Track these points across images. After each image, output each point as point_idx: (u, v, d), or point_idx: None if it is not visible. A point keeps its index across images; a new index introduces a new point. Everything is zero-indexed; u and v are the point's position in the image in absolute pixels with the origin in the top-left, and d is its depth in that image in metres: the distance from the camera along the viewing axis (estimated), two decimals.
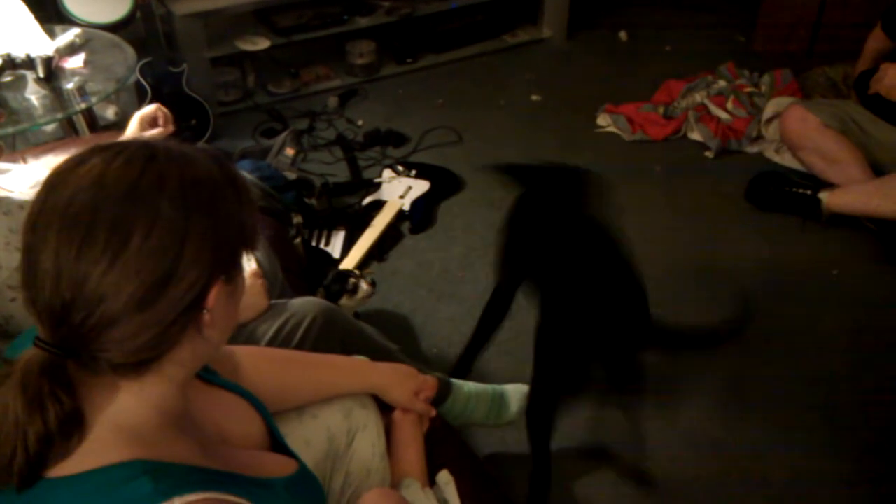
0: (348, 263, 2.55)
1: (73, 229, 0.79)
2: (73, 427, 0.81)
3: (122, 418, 0.85)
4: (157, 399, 0.88)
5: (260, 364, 1.31)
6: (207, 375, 1.10)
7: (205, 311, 0.85)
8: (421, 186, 2.94)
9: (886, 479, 1.98)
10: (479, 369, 2.16)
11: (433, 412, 1.52)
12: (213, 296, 0.85)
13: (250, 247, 0.92)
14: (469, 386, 1.95)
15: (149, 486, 0.80)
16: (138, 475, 0.81)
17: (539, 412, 1.87)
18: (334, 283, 2.19)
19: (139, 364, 0.84)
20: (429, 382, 1.51)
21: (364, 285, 2.18)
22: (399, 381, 1.46)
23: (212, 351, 0.93)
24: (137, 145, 0.85)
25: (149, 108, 1.93)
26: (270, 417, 1.17)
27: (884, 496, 1.96)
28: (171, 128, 1.93)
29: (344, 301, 2.15)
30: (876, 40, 2.80)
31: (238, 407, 1.13)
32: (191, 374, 0.94)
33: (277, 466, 1.06)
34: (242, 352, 1.31)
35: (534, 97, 3.62)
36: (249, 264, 1.83)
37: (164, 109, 1.95)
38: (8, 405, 0.80)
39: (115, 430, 0.84)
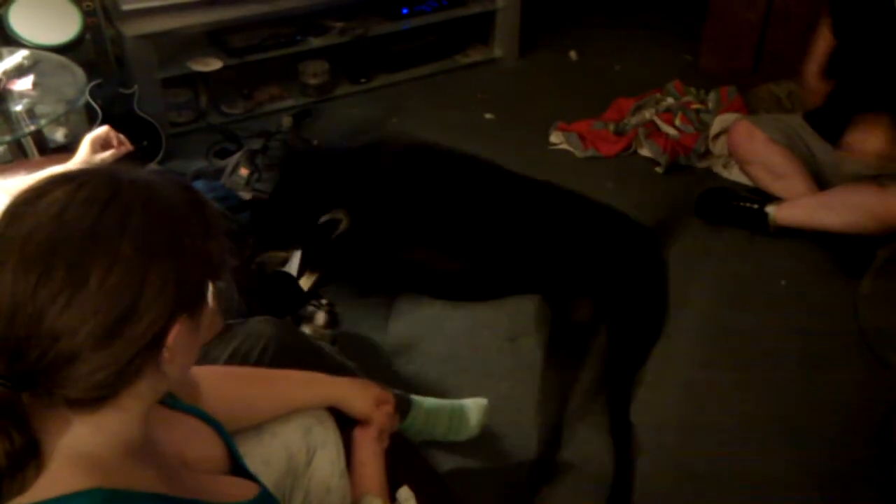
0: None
1: (31, 265, 0.77)
2: (26, 461, 0.79)
3: (80, 448, 0.83)
4: (115, 429, 0.86)
5: (219, 382, 1.30)
6: (168, 400, 1.09)
7: (164, 349, 0.84)
8: None
9: (837, 486, 2.02)
10: (438, 385, 2.17)
11: (396, 422, 1.52)
12: (174, 334, 0.84)
13: (217, 278, 0.90)
14: (429, 402, 1.95)
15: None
16: (97, 503, 0.80)
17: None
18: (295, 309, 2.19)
19: (95, 400, 0.83)
20: (388, 395, 1.50)
21: (321, 315, 2.17)
22: (358, 391, 1.45)
23: (172, 384, 0.92)
24: (101, 178, 0.83)
25: (100, 130, 1.90)
26: (231, 440, 1.16)
27: (835, 501, 2.00)
28: (124, 148, 1.90)
29: (305, 328, 2.15)
30: (825, 39, 2.77)
31: (199, 431, 1.12)
32: (150, 406, 0.92)
33: (238, 490, 1.05)
34: (201, 372, 1.30)
35: (487, 116, 3.66)
36: None
37: (114, 132, 1.92)
38: None
39: (73, 459, 0.82)
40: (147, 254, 0.80)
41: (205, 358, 1.60)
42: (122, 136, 1.92)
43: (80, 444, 0.84)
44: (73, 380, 0.79)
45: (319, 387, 1.43)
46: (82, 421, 0.84)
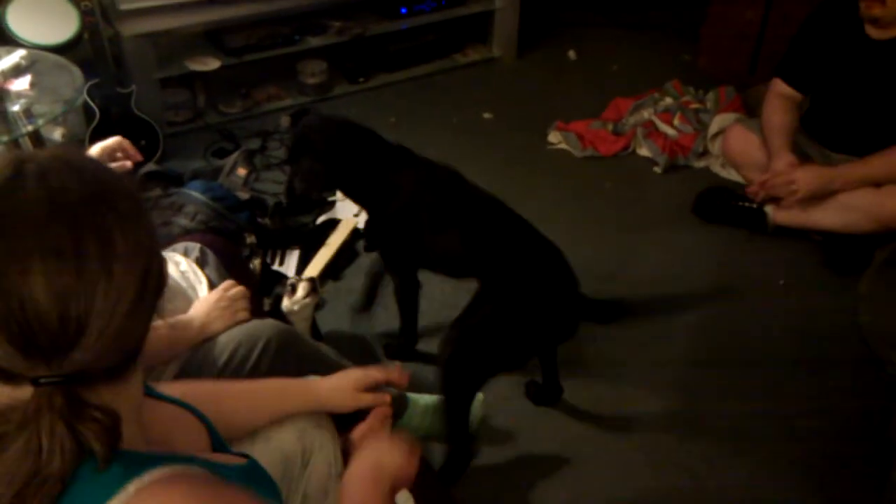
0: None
1: (60, 252, 0.76)
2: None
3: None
4: (133, 393, 0.89)
5: (191, 399, 1.30)
6: (149, 389, 1.09)
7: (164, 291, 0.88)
8: None
9: (836, 486, 2.02)
10: (434, 382, 2.16)
11: (387, 398, 1.48)
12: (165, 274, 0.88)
13: None
14: (425, 399, 1.95)
15: (118, 469, 0.79)
16: (121, 464, 0.81)
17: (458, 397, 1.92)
18: (275, 287, 2.18)
19: (126, 364, 0.85)
20: (372, 373, 1.47)
21: (302, 285, 2.15)
22: (335, 388, 1.43)
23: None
24: (56, 162, 0.83)
25: (111, 141, 1.89)
26: (211, 424, 1.15)
27: (834, 501, 2.00)
28: (129, 164, 1.89)
29: (286, 303, 2.13)
30: (781, 111, 2.73)
31: (180, 417, 1.12)
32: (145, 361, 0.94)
33: (229, 461, 1.06)
34: (173, 389, 1.27)
35: (485, 115, 3.65)
36: (201, 287, 1.81)
37: (128, 143, 1.91)
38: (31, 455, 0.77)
39: None
40: (132, 207, 0.83)
41: (205, 358, 1.61)
42: (131, 150, 1.91)
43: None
44: (116, 350, 0.81)
45: (295, 396, 1.41)
46: (109, 391, 0.84)
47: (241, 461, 1.06)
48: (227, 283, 1.74)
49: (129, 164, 1.89)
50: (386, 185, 2.01)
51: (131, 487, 0.79)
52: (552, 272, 1.94)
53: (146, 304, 0.83)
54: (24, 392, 0.78)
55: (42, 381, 0.78)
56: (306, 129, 2.07)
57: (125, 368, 0.85)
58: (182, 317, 1.64)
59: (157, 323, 1.55)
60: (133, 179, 0.93)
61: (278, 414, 1.38)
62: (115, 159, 1.87)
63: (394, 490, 1.27)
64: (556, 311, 1.94)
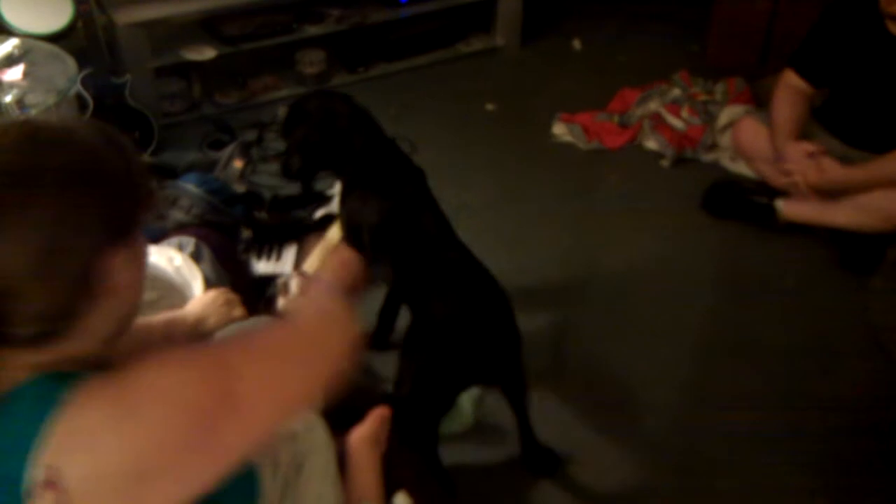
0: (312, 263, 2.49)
1: None
2: None
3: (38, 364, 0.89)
4: (77, 353, 0.91)
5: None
6: None
7: (98, 282, 0.88)
8: None
9: (845, 484, 2.00)
10: None
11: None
12: (105, 265, 0.88)
13: (147, 209, 0.96)
14: None
15: (54, 384, 0.85)
16: (45, 381, 0.87)
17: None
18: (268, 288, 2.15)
19: (46, 335, 0.88)
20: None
21: (294, 282, 2.12)
22: (204, 307, 1.58)
23: (123, 318, 0.97)
24: (18, 125, 0.90)
25: None
26: None
27: (841, 500, 1.98)
28: None
29: (282, 302, 2.10)
30: (790, 104, 2.70)
31: None
32: (99, 345, 0.95)
33: None
34: None
35: (488, 106, 3.60)
36: (196, 282, 1.78)
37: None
38: None
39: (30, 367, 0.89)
40: (66, 188, 0.85)
41: None
42: None
43: (42, 361, 0.89)
44: (19, 316, 0.85)
45: (180, 328, 1.53)
46: (42, 352, 0.89)
47: None
48: (225, 288, 1.74)
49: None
50: (365, 172, 2.01)
51: (64, 396, 0.83)
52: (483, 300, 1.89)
53: (54, 277, 0.85)
54: None
55: None
56: (302, 99, 2.09)
57: (44, 341, 0.88)
58: (177, 312, 1.64)
59: (153, 318, 1.55)
60: (119, 164, 0.93)
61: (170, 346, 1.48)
62: None
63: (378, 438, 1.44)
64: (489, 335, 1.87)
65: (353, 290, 1.26)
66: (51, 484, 0.80)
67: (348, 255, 1.34)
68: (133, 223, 0.94)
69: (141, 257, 0.98)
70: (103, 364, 0.94)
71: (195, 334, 1.62)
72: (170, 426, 0.83)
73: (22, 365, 0.88)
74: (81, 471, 0.81)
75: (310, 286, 1.25)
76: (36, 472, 0.81)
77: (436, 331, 1.84)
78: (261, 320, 1.71)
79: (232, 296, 1.69)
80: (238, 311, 1.69)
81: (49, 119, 0.92)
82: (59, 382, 0.85)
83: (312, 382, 1.01)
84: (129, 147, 0.96)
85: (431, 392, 1.86)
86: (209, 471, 0.86)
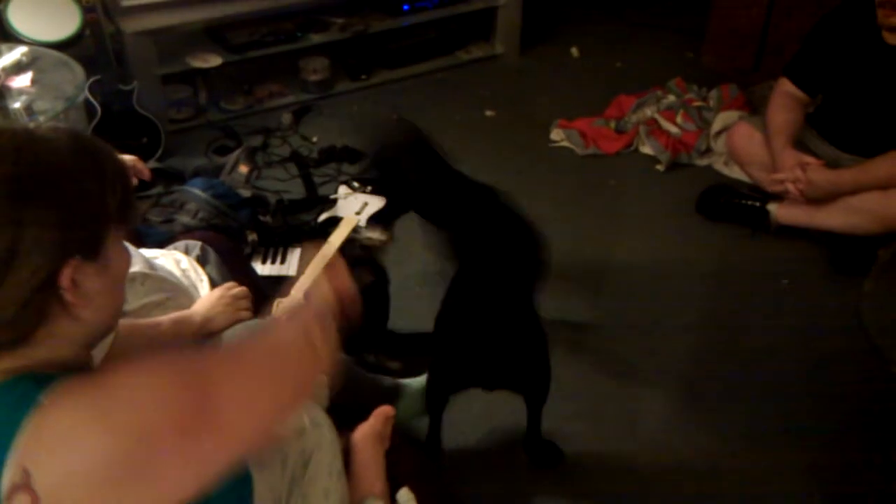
0: (304, 281, 2.52)
1: None
2: None
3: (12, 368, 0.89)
4: (52, 357, 0.92)
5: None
6: None
7: (62, 291, 0.88)
8: (377, 202, 2.93)
9: (838, 485, 2.02)
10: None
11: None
12: (68, 276, 0.88)
13: (120, 222, 0.95)
14: (416, 383, 1.96)
15: (31, 384, 0.85)
16: (22, 381, 0.86)
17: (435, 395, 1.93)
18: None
19: (16, 340, 0.88)
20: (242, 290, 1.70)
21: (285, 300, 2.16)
22: (210, 306, 1.62)
23: (91, 329, 0.96)
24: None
25: (126, 159, 1.89)
26: None
27: (835, 500, 2.00)
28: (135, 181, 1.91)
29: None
30: (786, 111, 2.72)
31: None
32: (75, 350, 0.95)
33: None
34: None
35: (488, 113, 3.64)
36: (202, 285, 1.81)
37: (141, 164, 1.93)
38: None
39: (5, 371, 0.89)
40: (19, 200, 0.84)
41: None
42: (143, 171, 1.93)
43: (16, 365, 0.89)
44: None
45: (187, 328, 1.59)
46: (13, 357, 0.90)
47: None
48: (230, 283, 1.75)
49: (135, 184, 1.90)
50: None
51: (40, 397, 0.82)
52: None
53: (7, 289, 0.85)
54: None
55: None
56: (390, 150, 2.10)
57: (9, 347, 0.88)
58: (184, 312, 1.66)
59: (161, 318, 1.58)
60: (90, 177, 0.92)
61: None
62: None
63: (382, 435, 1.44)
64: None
65: (342, 319, 1.22)
66: (23, 486, 0.79)
67: (345, 283, 1.29)
68: (101, 237, 0.92)
69: (118, 266, 0.97)
70: (84, 366, 0.96)
71: (203, 333, 1.65)
72: (143, 432, 0.80)
73: None
74: (53, 473, 0.79)
75: (300, 308, 1.20)
76: (10, 473, 0.80)
77: (448, 330, 1.88)
78: (265, 321, 1.73)
79: (239, 291, 1.71)
80: (245, 312, 1.71)
81: (16, 125, 0.93)
82: (34, 384, 0.84)
83: (284, 402, 0.98)
84: (110, 162, 0.95)
85: (434, 384, 1.92)
86: (184, 480, 0.82)
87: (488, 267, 1.89)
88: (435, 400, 1.94)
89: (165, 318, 1.61)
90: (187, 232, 2.23)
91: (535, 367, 1.89)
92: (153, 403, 0.82)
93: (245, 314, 1.71)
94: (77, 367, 0.93)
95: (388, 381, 1.91)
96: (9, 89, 2.41)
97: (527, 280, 1.94)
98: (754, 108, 3.36)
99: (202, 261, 1.91)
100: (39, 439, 0.80)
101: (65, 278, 0.88)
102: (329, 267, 1.27)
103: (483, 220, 1.98)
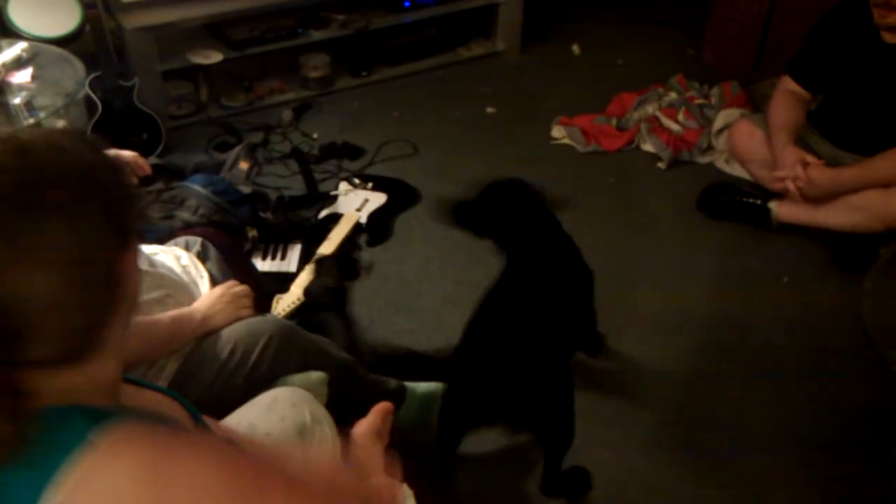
0: (304, 277, 2.53)
1: None
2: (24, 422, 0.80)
3: (64, 389, 0.85)
4: (102, 375, 0.89)
5: None
6: (132, 378, 1.08)
7: (122, 284, 0.87)
8: (378, 199, 2.93)
9: (837, 484, 2.02)
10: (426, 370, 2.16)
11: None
12: (125, 266, 0.87)
13: (140, 212, 0.96)
14: (422, 387, 1.96)
15: (79, 417, 0.81)
16: (72, 413, 0.82)
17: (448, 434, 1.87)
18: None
19: (79, 351, 0.85)
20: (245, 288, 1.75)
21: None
22: (211, 305, 1.65)
23: (130, 322, 0.95)
24: (8, 145, 0.83)
25: (127, 154, 1.90)
26: (195, 410, 1.15)
27: (835, 499, 2.00)
28: (135, 180, 1.91)
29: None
30: (788, 109, 2.72)
31: (164, 403, 1.12)
32: (123, 349, 0.95)
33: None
34: None
35: (489, 110, 3.64)
36: (202, 281, 1.81)
37: (143, 161, 1.92)
38: None
39: (55, 394, 0.85)
40: (75, 199, 0.82)
41: (206, 355, 1.61)
42: (144, 167, 1.93)
43: (65, 388, 0.85)
44: (45, 336, 0.80)
45: (187, 326, 1.62)
46: (72, 371, 0.86)
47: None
48: (232, 282, 1.76)
49: (134, 181, 1.90)
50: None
51: (93, 436, 0.79)
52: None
53: (88, 297, 0.83)
54: None
55: None
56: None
57: (74, 358, 0.85)
58: (184, 309, 1.66)
59: (160, 316, 1.58)
60: (108, 168, 0.90)
61: (175, 345, 1.60)
62: None
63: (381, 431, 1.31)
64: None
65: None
66: None
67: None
68: (133, 226, 0.92)
69: (136, 260, 0.97)
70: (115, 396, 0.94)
71: (203, 331, 1.65)
72: None
73: (46, 391, 0.84)
74: None
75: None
76: None
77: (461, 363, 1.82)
78: (268, 320, 1.74)
79: (240, 289, 1.71)
80: (245, 310, 1.72)
81: (33, 133, 0.88)
82: (87, 419, 0.81)
83: None
84: (113, 155, 0.94)
85: (451, 415, 1.84)
86: None
87: (545, 307, 1.84)
88: (449, 434, 1.85)
89: (165, 315, 1.61)
90: (187, 228, 2.23)
91: (559, 413, 1.83)
92: (208, 499, 0.80)
93: (246, 312, 1.71)
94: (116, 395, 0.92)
95: (392, 382, 1.91)
96: (9, 85, 2.41)
97: (574, 330, 1.95)
98: (756, 105, 3.36)
99: (202, 257, 1.91)
100: (85, 485, 0.77)
101: (120, 272, 0.87)
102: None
103: (556, 262, 1.96)
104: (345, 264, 2.58)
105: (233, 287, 1.73)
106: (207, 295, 1.72)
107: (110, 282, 0.85)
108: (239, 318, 1.69)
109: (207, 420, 1.14)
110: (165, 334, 1.59)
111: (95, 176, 0.86)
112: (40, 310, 0.79)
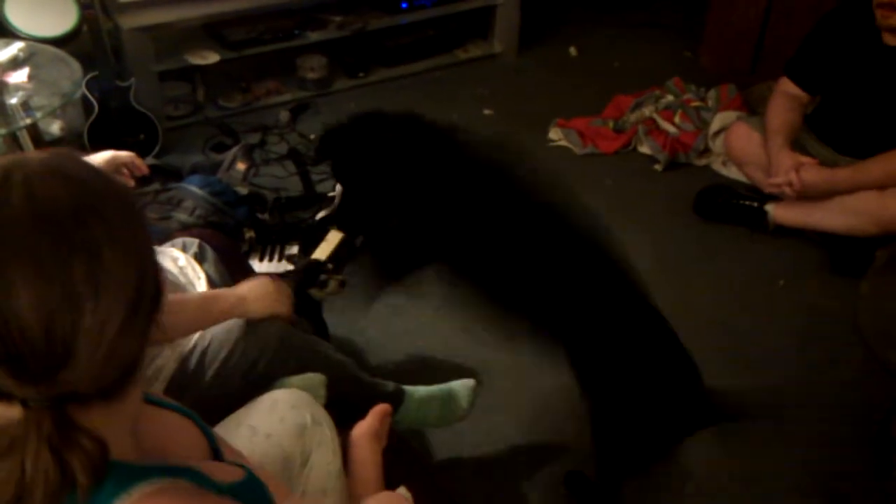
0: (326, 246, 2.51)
1: (48, 269, 0.72)
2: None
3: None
4: (132, 409, 0.86)
5: None
6: (149, 397, 1.08)
7: (160, 301, 0.83)
8: None
9: (836, 486, 2.02)
10: (423, 373, 2.16)
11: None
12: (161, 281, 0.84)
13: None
14: (420, 390, 1.96)
15: (107, 485, 0.78)
16: (121, 464, 0.79)
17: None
18: (306, 274, 2.16)
19: (121, 381, 0.81)
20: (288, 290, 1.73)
21: (333, 283, 2.15)
22: (259, 295, 1.63)
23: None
24: (32, 165, 0.78)
25: (124, 154, 1.89)
26: (210, 431, 1.14)
27: (836, 495, 2.00)
28: (132, 182, 1.90)
29: (313, 291, 2.13)
30: (785, 111, 2.72)
31: (178, 424, 1.11)
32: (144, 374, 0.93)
33: (225, 474, 1.04)
34: None
35: (486, 111, 3.64)
36: (199, 282, 1.81)
37: (140, 161, 1.92)
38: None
39: None
40: (125, 218, 0.79)
41: (204, 356, 1.60)
42: (141, 167, 1.92)
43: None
44: (109, 370, 0.77)
45: (220, 305, 1.60)
46: (103, 410, 0.81)
47: (237, 476, 1.03)
48: (285, 284, 1.77)
49: (131, 182, 1.89)
50: None
51: (135, 492, 0.78)
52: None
53: (140, 318, 0.79)
54: (16, 412, 0.75)
55: (31, 403, 0.74)
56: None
57: (121, 387, 0.81)
58: (217, 291, 1.66)
59: (189, 295, 1.57)
60: (127, 187, 0.86)
61: (204, 324, 1.59)
62: (120, 173, 1.87)
63: (380, 432, 1.38)
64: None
65: None
66: None
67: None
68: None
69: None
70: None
71: (235, 312, 1.63)
72: None
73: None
74: None
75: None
76: None
77: None
78: (265, 322, 1.72)
79: (285, 289, 1.71)
80: (283, 308, 1.69)
81: (41, 158, 0.80)
82: (127, 469, 0.80)
83: None
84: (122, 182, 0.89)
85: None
86: None
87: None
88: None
89: (194, 294, 1.62)
90: (184, 229, 2.23)
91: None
92: None
93: (283, 310, 1.70)
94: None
95: (390, 385, 1.91)
96: (5, 85, 2.40)
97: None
98: (752, 108, 3.37)
99: (199, 258, 1.91)
100: None
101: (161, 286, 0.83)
102: None
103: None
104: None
105: (279, 283, 1.72)
106: (252, 280, 1.70)
107: (156, 300, 0.82)
108: (273, 315, 1.67)
109: (220, 443, 1.13)
110: (189, 315, 1.57)
111: (122, 193, 0.82)
112: (90, 339, 0.74)
